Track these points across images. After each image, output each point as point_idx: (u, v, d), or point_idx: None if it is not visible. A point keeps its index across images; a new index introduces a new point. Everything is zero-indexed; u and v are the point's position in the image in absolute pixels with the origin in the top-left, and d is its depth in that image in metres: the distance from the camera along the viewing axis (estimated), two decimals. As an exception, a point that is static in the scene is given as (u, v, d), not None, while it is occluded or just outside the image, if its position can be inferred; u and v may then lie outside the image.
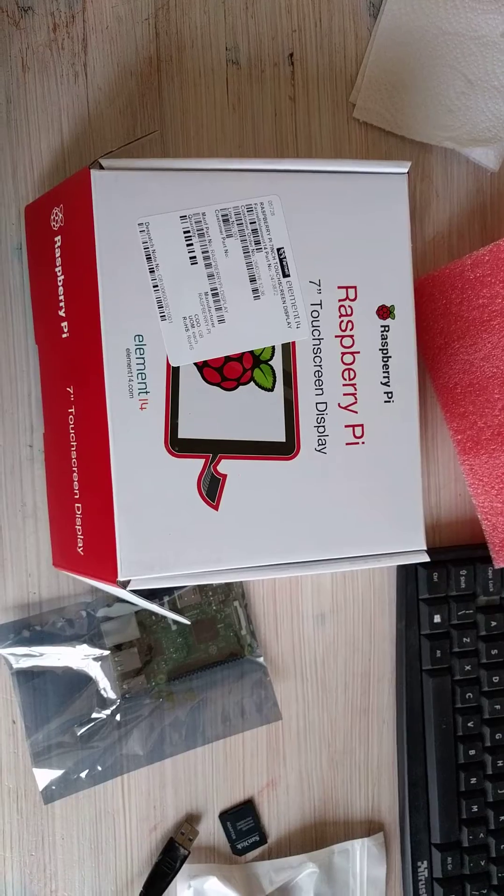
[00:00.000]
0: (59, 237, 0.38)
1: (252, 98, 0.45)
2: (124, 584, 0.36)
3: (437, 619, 0.46)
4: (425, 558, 0.39)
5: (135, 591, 0.36)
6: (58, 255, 0.38)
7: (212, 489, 0.36)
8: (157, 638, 0.44)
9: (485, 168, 0.47)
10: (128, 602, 0.43)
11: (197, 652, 0.45)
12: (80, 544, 0.39)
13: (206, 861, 0.46)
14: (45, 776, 0.43)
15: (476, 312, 0.44)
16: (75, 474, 0.39)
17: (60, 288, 0.38)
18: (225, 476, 0.37)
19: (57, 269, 0.39)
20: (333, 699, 0.47)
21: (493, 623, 0.46)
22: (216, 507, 0.37)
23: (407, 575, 0.46)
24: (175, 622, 0.44)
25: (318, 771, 0.47)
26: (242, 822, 0.46)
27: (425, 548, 0.39)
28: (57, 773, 0.43)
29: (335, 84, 0.46)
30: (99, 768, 0.43)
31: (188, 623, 0.41)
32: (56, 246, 0.39)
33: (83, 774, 0.43)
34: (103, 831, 0.44)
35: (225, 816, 0.46)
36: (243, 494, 0.37)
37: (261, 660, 0.45)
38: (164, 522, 0.36)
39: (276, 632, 0.46)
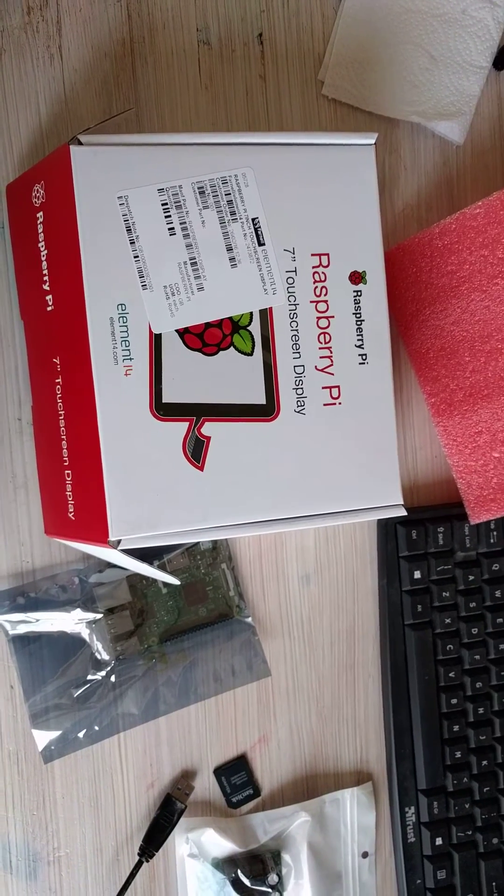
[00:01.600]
0: (40, 213, 0.40)
1: (224, 77, 0.47)
2: (116, 544, 0.37)
3: (416, 575, 0.48)
4: (402, 512, 0.41)
5: (126, 551, 0.38)
6: (40, 230, 0.40)
7: (196, 451, 0.38)
8: (149, 601, 0.46)
9: (450, 141, 0.49)
10: (119, 567, 0.45)
11: (187, 614, 0.46)
12: (72, 510, 0.40)
13: (203, 815, 0.47)
14: (43, 737, 0.44)
15: (445, 279, 0.46)
16: (64, 442, 0.40)
17: (44, 262, 0.40)
18: (209, 438, 0.38)
19: (40, 245, 0.40)
20: (320, 656, 0.49)
21: (471, 577, 0.48)
22: (201, 468, 0.38)
23: (387, 534, 0.48)
24: (165, 585, 0.46)
25: (308, 725, 0.49)
26: (236, 776, 0.48)
27: (402, 502, 0.41)
28: (55, 733, 0.44)
29: (304, 62, 0.48)
30: (96, 728, 0.45)
31: (178, 583, 0.43)
32: (38, 222, 0.40)
33: (81, 734, 0.45)
34: (102, 789, 0.46)
35: (219, 772, 0.47)
36: (227, 455, 0.38)
37: (249, 620, 0.47)
38: (152, 484, 0.37)
39: (262, 593, 0.48)
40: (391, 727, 0.48)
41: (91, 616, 0.44)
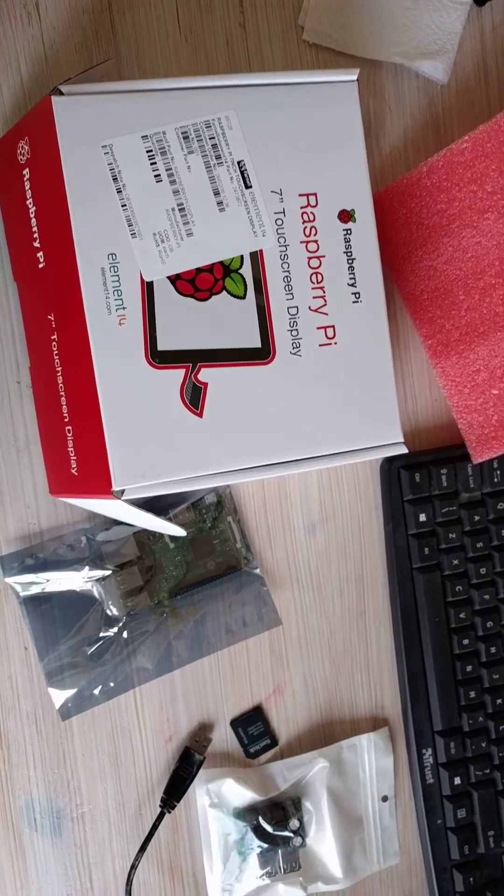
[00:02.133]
0: (27, 170, 0.40)
1: (203, 28, 0.46)
2: (119, 494, 0.37)
3: (422, 517, 0.48)
4: (403, 450, 0.41)
5: (130, 502, 0.38)
6: (27, 187, 0.40)
7: (194, 398, 0.38)
8: (157, 557, 0.46)
9: (435, 81, 0.49)
10: (125, 524, 0.45)
11: (195, 568, 0.46)
12: (74, 466, 0.40)
13: (221, 766, 0.48)
14: (60, 695, 0.45)
15: (435, 218, 0.45)
16: (63, 398, 0.40)
17: (33, 220, 0.40)
18: (206, 384, 0.38)
19: (28, 202, 0.40)
20: (330, 604, 0.49)
21: (477, 518, 0.48)
22: (200, 415, 0.38)
23: (390, 478, 0.48)
24: (172, 540, 0.46)
25: (322, 673, 0.49)
26: (253, 727, 0.48)
27: (402, 440, 0.41)
28: (71, 691, 0.45)
29: (283, 8, 0.47)
30: (111, 684, 0.45)
31: (184, 534, 0.43)
32: (25, 179, 0.40)
33: (96, 691, 0.45)
34: (121, 746, 0.46)
35: (236, 723, 0.48)
36: (225, 401, 0.38)
37: (257, 571, 0.47)
38: (152, 432, 0.38)
39: (269, 544, 0.48)
40: (404, 671, 0.49)
41: (100, 573, 0.45)
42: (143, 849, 0.45)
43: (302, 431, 0.39)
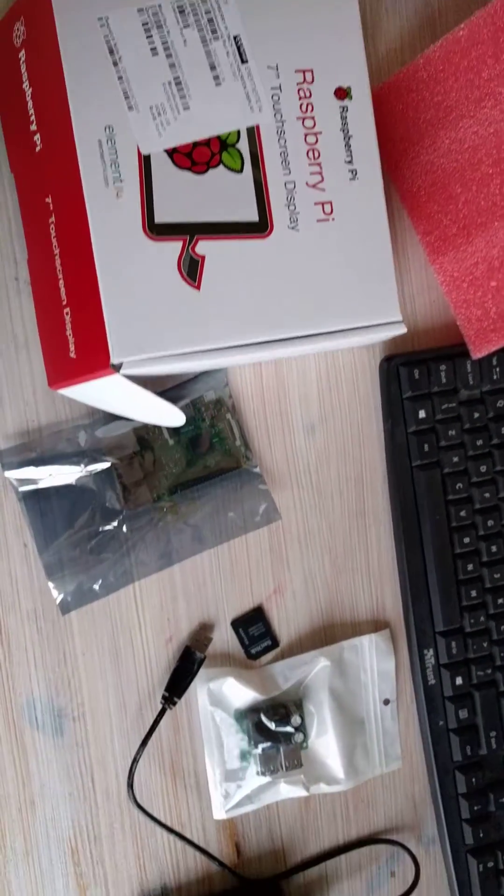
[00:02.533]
0: (23, 52, 0.39)
1: None
2: (118, 368, 0.37)
3: (421, 414, 0.48)
4: (402, 329, 0.41)
5: (129, 378, 0.38)
6: (23, 70, 0.40)
7: (192, 270, 0.38)
8: (157, 454, 0.46)
9: (429, -18, 0.49)
10: (125, 419, 0.45)
11: (195, 466, 0.46)
12: (73, 349, 0.40)
13: (222, 667, 0.47)
14: (60, 589, 0.45)
15: (432, 111, 0.45)
16: (61, 281, 0.40)
17: (29, 103, 0.40)
18: (203, 257, 0.38)
19: (24, 86, 0.40)
20: (330, 505, 0.49)
21: (476, 415, 0.48)
22: (198, 287, 0.38)
23: (389, 375, 0.48)
24: (172, 435, 0.46)
25: (322, 575, 0.49)
26: (253, 627, 0.48)
27: (401, 318, 0.41)
28: (71, 585, 0.45)
29: None
30: (111, 578, 0.45)
31: (182, 421, 0.42)
32: (21, 62, 0.40)
33: (96, 585, 0.45)
34: (122, 645, 0.46)
35: (236, 623, 0.48)
36: (223, 274, 0.38)
37: (256, 470, 0.47)
38: (150, 305, 0.37)
39: (269, 444, 0.48)
40: (405, 571, 0.49)
41: (99, 467, 0.45)
42: (144, 743, 0.45)
43: (301, 307, 0.39)
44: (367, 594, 0.49)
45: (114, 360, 0.37)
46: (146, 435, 0.46)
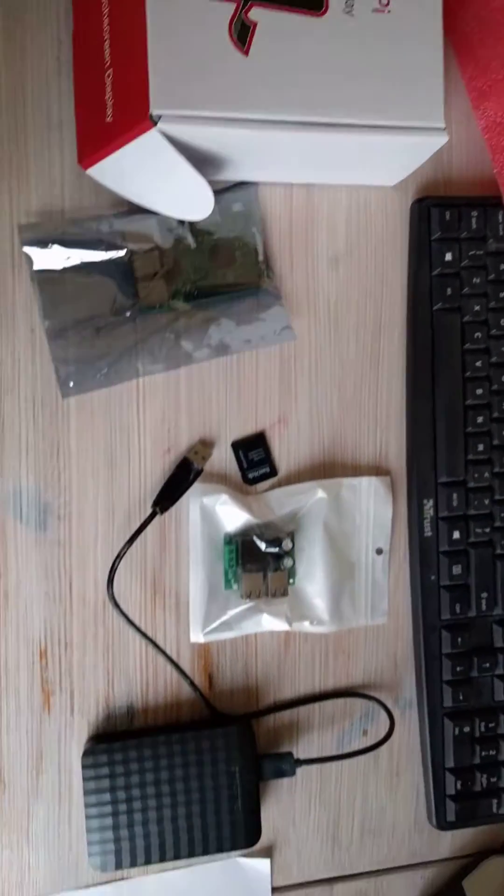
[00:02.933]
0: None
1: None
2: (156, 121, 0.36)
3: (448, 257, 0.47)
4: (444, 137, 0.40)
5: (165, 137, 0.37)
6: None
7: (242, 34, 0.37)
8: (177, 256, 0.45)
9: None
10: (149, 213, 0.44)
11: (214, 276, 0.45)
12: (110, 112, 0.39)
13: (218, 484, 0.46)
14: (63, 370, 0.43)
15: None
16: (107, 43, 0.39)
17: None
18: (255, 23, 0.38)
19: None
20: (345, 343, 0.48)
21: (502, 267, 0.47)
22: (245, 53, 0.37)
23: (420, 215, 0.47)
24: (195, 238, 0.45)
25: (329, 412, 0.48)
26: (254, 452, 0.47)
27: (443, 126, 0.40)
28: (75, 368, 0.43)
29: None
30: (116, 369, 0.44)
31: (211, 204, 0.41)
32: None
33: (100, 373, 0.44)
34: (118, 447, 0.45)
35: (237, 445, 0.46)
36: (272, 44, 0.38)
37: (276, 291, 0.46)
38: (196, 64, 0.37)
39: (290, 270, 0.47)
40: (413, 417, 0.47)
41: (118, 254, 0.43)
42: (130, 541, 0.43)
43: (343, 94, 0.39)
44: (372, 439, 0.48)
45: (153, 110, 0.36)
46: (169, 233, 0.44)
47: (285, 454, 0.47)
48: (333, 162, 0.43)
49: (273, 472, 0.47)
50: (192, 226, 0.45)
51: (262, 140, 0.39)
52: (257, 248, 0.46)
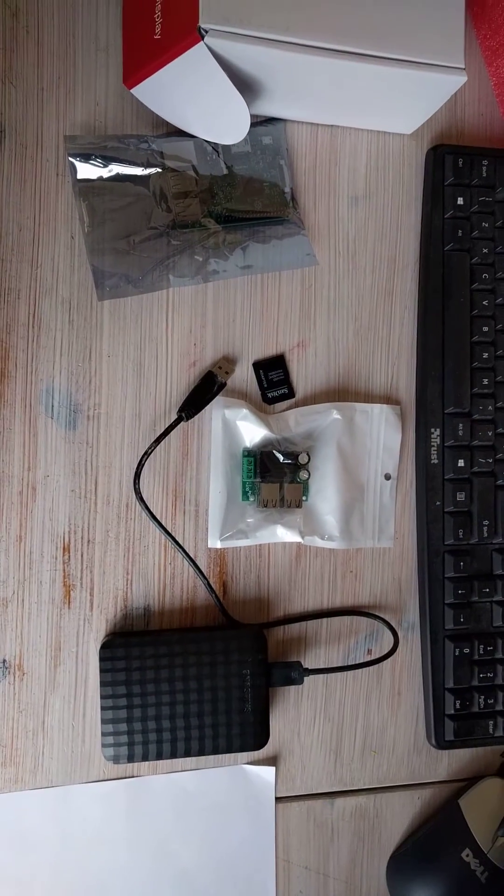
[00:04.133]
0: None
1: None
2: (203, 34, 0.40)
3: (459, 201, 0.50)
4: (462, 78, 0.44)
5: (211, 52, 0.40)
6: None
7: (291, -38, 0.41)
8: (211, 182, 0.47)
9: None
10: (187, 135, 0.47)
11: (244, 203, 0.48)
12: (159, 29, 0.42)
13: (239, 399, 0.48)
14: (99, 275, 0.45)
15: None
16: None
17: None
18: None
19: None
20: (362, 276, 0.51)
21: (509, 214, 0.51)
22: None
23: (434, 161, 0.50)
24: (227, 166, 0.48)
25: (345, 340, 0.50)
26: (274, 372, 0.49)
27: (463, 66, 0.44)
28: (111, 273, 0.45)
29: None
30: (150, 278, 0.46)
31: (247, 125, 0.44)
32: None
33: (134, 281, 0.46)
34: (146, 358, 0.47)
35: (258, 365, 0.49)
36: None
37: (300, 222, 0.49)
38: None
39: (314, 205, 0.50)
40: (423, 350, 0.50)
41: (156, 171, 0.46)
42: (157, 441, 0.45)
43: (377, 28, 0.42)
44: (384, 369, 0.51)
45: (202, 24, 0.39)
46: (204, 157, 0.47)
47: (303, 377, 0.50)
48: (358, 100, 0.46)
49: (291, 392, 0.49)
50: (226, 153, 0.48)
51: (298, 65, 0.42)
52: (285, 179, 0.49)
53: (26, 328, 0.45)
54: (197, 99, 0.44)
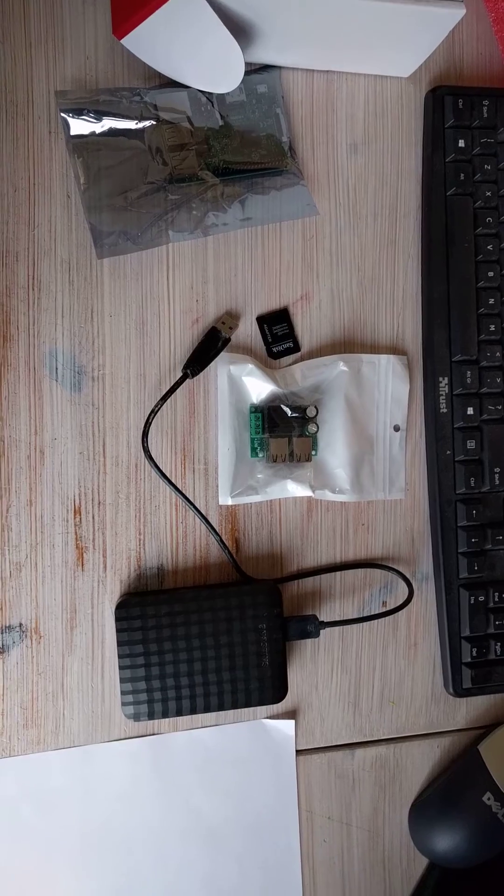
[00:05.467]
0: None
1: None
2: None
3: (461, 143, 0.49)
4: (462, 11, 0.43)
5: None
6: None
7: None
8: (207, 133, 0.47)
9: None
10: (181, 86, 0.46)
11: (241, 154, 0.47)
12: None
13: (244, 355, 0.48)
14: (97, 233, 0.45)
15: None
16: None
17: None
18: None
19: None
20: (364, 226, 0.50)
21: (512, 156, 0.50)
22: None
23: (434, 104, 0.49)
24: (221, 117, 0.47)
25: (349, 292, 0.50)
26: (278, 326, 0.48)
27: (464, -1, 0.43)
28: (109, 230, 0.45)
29: None
30: (149, 234, 0.45)
31: (241, 71, 0.43)
32: None
33: (133, 237, 0.45)
34: (149, 316, 0.46)
35: (262, 319, 0.48)
36: None
37: (299, 172, 0.48)
38: None
39: (312, 155, 0.49)
40: (428, 297, 0.50)
41: (150, 124, 0.45)
42: (163, 399, 0.45)
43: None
44: (390, 320, 0.50)
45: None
46: (199, 108, 0.46)
47: (308, 331, 0.49)
48: (354, 41, 0.45)
49: (296, 346, 0.49)
50: (220, 103, 0.47)
51: (292, 4, 0.41)
52: (281, 129, 0.48)
53: (26, 291, 0.45)
54: (189, 46, 0.43)
